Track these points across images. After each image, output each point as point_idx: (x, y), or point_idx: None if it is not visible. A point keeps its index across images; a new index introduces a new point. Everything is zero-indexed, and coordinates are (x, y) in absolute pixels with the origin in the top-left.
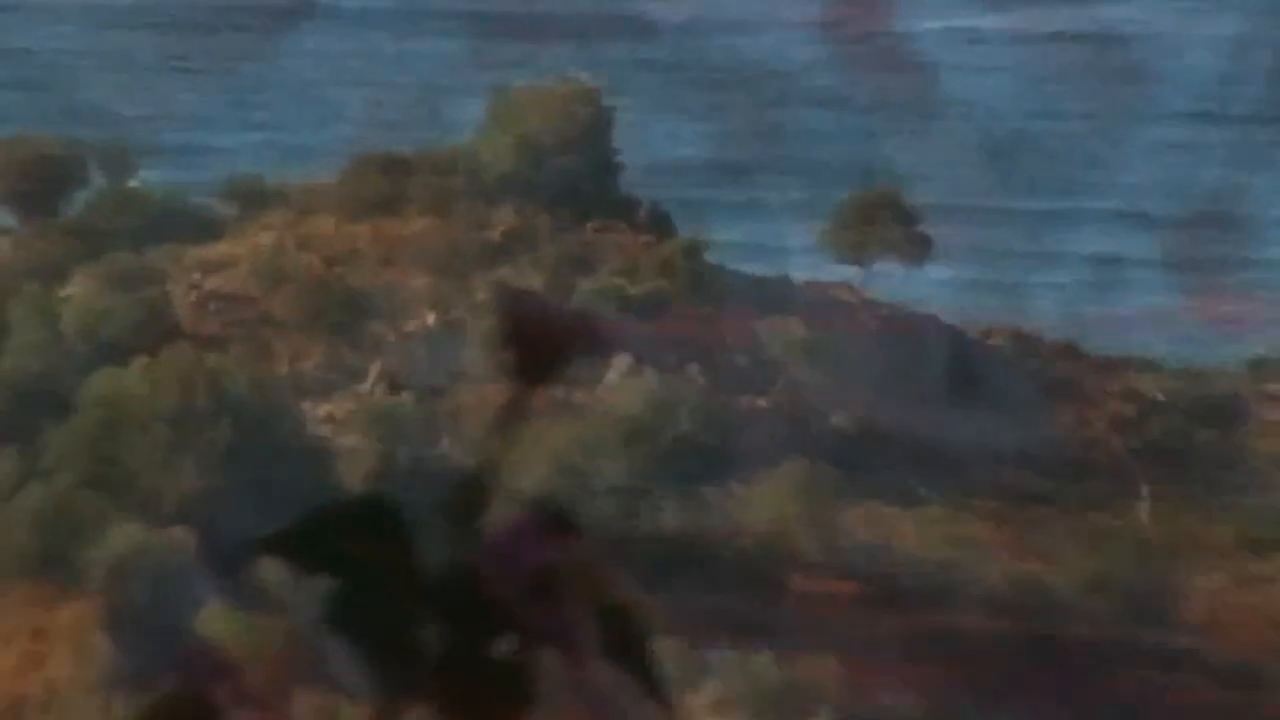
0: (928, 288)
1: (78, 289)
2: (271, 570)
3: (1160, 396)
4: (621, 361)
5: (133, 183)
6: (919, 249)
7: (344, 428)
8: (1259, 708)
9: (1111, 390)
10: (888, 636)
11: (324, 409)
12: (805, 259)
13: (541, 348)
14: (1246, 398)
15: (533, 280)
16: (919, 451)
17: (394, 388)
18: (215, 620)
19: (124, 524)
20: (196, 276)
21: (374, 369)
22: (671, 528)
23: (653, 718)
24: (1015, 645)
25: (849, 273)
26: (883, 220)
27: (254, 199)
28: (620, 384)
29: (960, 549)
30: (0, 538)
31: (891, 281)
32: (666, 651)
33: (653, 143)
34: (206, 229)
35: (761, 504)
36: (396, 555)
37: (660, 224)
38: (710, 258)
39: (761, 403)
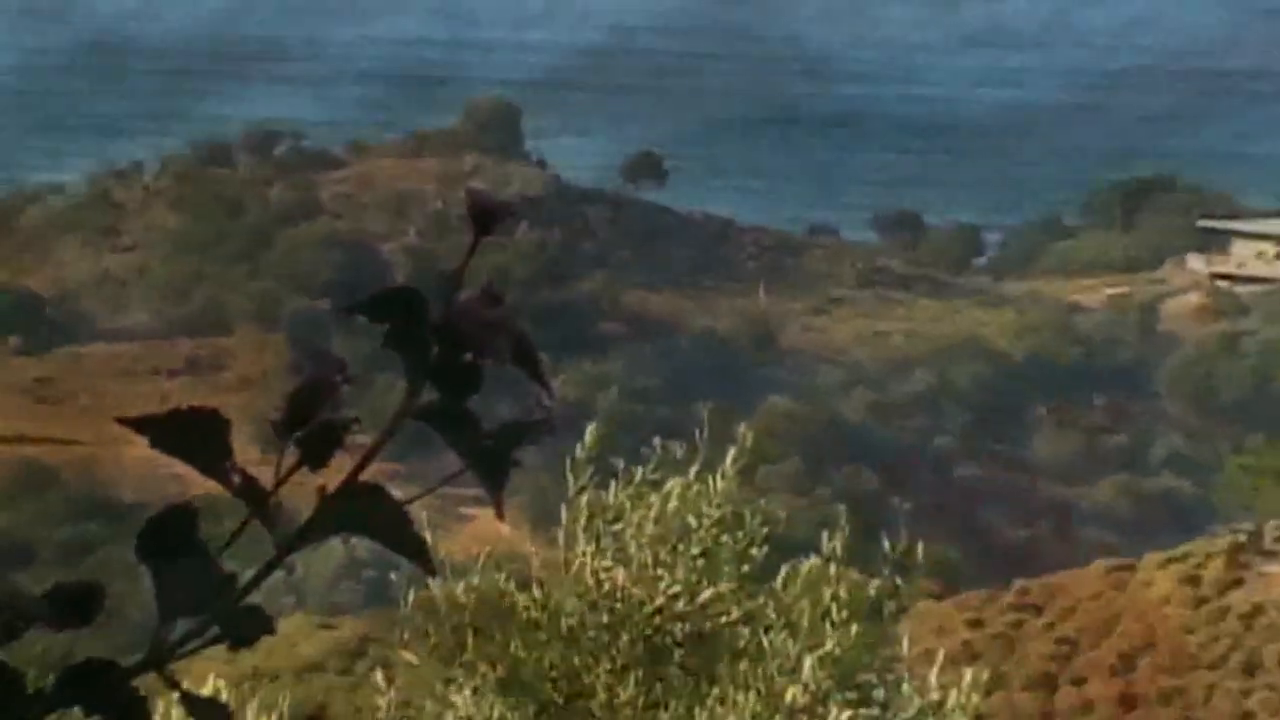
0: (695, 201)
1: (276, 190)
2: (361, 320)
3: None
4: (524, 225)
5: (305, 142)
6: (661, 181)
7: (398, 254)
8: (816, 411)
9: (751, 242)
10: (653, 354)
11: (389, 246)
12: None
13: (487, 215)
14: (810, 245)
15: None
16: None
17: (423, 236)
18: (336, 344)
19: (295, 298)
20: (331, 185)
21: (412, 229)
22: (547, 299)
23: (538, 392)
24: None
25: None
26: (648, 167)
27: (358, 149)
28: (523, 235)
29: (690, 317)
30: (237, 305)
31: (658, 194)
32: (543, 360)
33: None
34: (337, 163)
35: (591, 292)
36: (418, 310)
37: (541, 163)
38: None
39: (587, 246)
